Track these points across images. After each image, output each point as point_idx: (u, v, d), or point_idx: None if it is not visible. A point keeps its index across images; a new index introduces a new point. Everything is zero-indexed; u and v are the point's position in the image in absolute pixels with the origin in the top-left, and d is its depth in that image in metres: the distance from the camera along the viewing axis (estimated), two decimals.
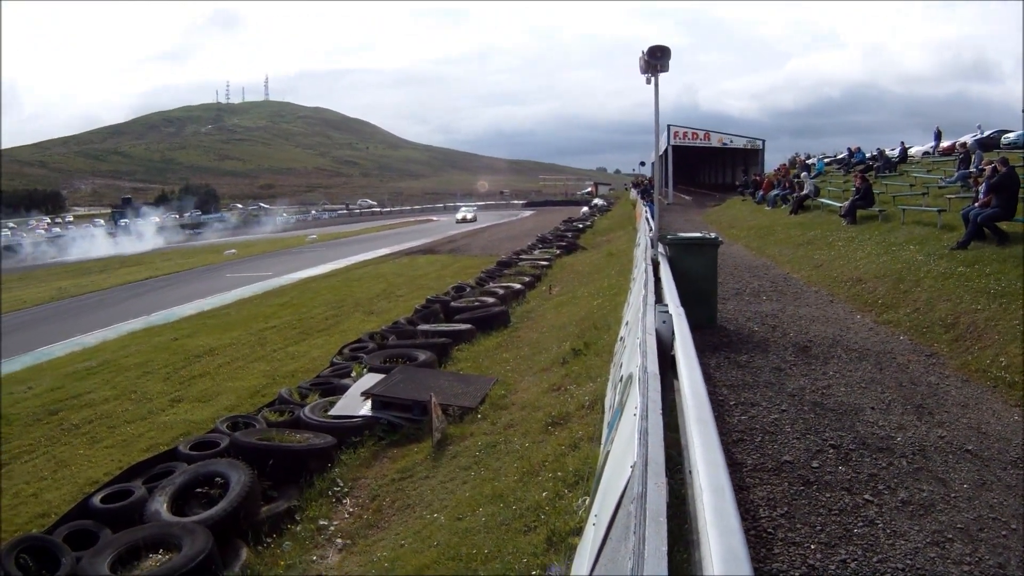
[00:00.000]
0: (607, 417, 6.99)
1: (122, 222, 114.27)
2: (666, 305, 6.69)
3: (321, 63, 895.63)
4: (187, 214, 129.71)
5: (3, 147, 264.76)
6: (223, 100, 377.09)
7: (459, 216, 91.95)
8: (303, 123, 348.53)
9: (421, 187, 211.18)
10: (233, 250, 61.62)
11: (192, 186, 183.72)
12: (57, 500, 11.07)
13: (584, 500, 6.22)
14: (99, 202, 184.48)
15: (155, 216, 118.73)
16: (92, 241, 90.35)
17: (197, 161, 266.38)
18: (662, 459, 3.24)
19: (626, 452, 3.74)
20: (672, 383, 5.35)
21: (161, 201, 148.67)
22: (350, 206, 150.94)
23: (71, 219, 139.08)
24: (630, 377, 5.13)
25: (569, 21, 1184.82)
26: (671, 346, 5.94)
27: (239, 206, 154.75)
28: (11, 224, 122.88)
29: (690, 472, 3.45)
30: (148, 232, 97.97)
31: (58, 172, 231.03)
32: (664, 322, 6.18)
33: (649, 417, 3.67)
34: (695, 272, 12.92)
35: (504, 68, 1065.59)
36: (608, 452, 4.72)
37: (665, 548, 2.48)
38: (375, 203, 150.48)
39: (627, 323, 9.26)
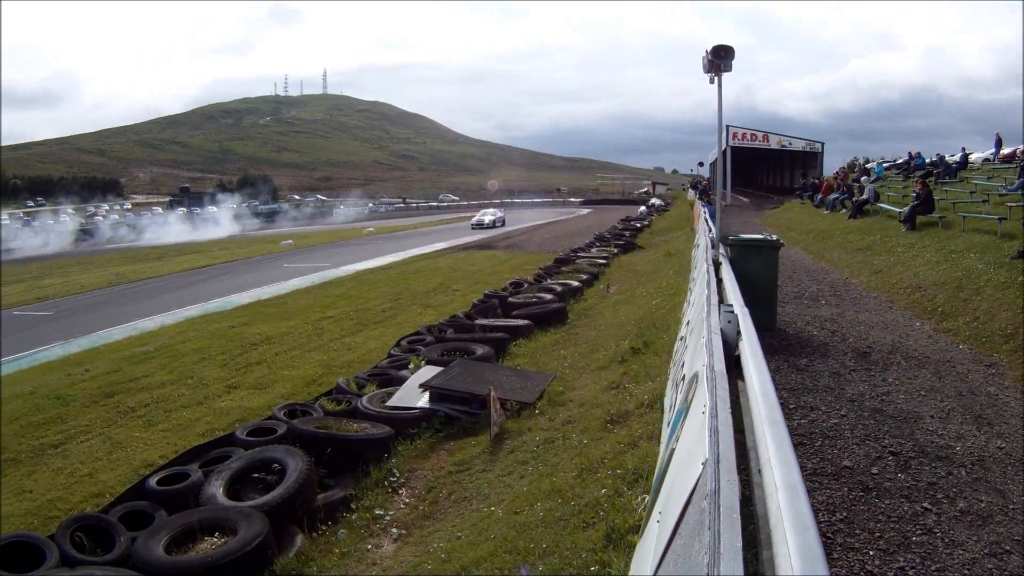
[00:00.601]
0: (667, 416, 6.97)
1: (179, 210, 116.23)
2: (730, 305, 6.67)
3: (380, 58, 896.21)
4: (245, 204, 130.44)
5: (64, 135, 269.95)
6: (281, 93, 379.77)
7: (475, 220, 76.49)
8: (361, 117, 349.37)
9: (478, 183, 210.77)
10: (290, 240, 62.13)
11: (249, 177, 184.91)
12: (112, 481, 11.29)
13: (643, 498, 6.22)
14: (157, 190, 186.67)
15: (227, 204, 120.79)
16: (167, 227, 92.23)
17: (255, 152, 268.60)
18: (733, 456, 3.26)
19: (694, 450, 3.75)
20: (736, 383, 5.36)
21: (221, 191, 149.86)
22: (407, 200, 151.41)
23: (129, 207, 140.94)
24: (695, 376, 5.13)
25: (630, 18, 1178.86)
26: (735, 346, 5.93)
27: (296, 197, 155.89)
28: (70, 210, 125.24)
29: (759, 471, 3.46)
30: (223, 219, 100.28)
31: (117, 160, 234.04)
32: (729, 322, 6.17)
33: (719, 415, 3.68)
34: (755, 274, 12.84)
35: (564, 65, 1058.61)
36: (673, 450, 4.72)
37: (740, 544, 2.49)
38: (456, 197, 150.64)
39: (688, 323, 9.24)
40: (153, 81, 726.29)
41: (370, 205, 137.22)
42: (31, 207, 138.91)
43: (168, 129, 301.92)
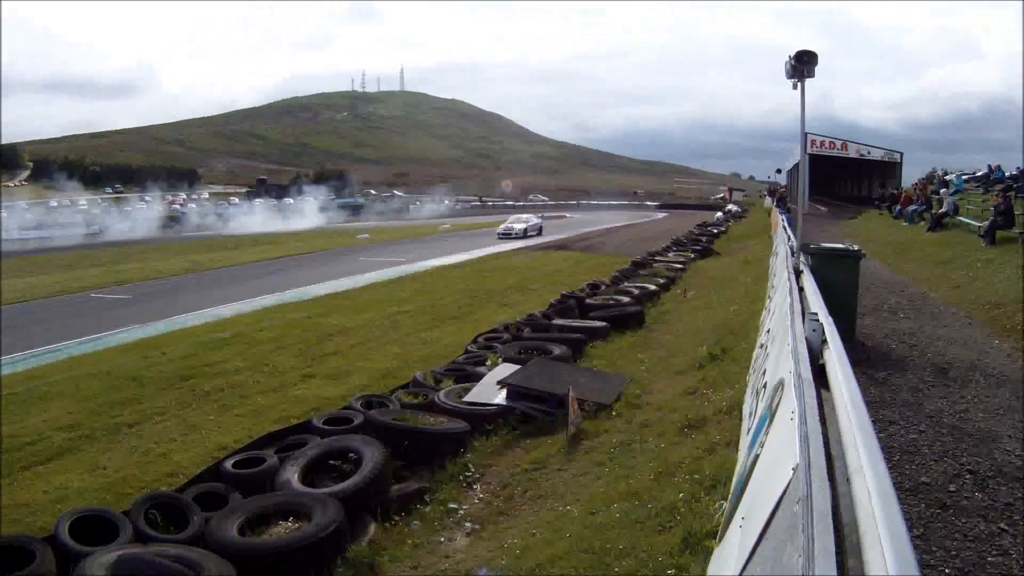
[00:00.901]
0: (747, 424, 7.00)
1: (256, 201, 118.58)
2: (815, 313, 6.68)
3: (457, 56, 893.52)
4: (328, 197, 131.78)
5: (142, 124, 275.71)
6: (359, 88, 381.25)
7: (502, 229, 60.95)
8: (438, 114, 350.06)
9: (555, 183, 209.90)
10: (366, 235, 62.82)
11: (327, 171, 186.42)
12: (186, 462, 11.45)
13: (721, 504, 6.25)
14: (234, 181, 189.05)
15: (311, 197, 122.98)
16: (252, 217, 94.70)
17: (331, 146, 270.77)
18: (823, 462, 3.31)
19: (781, 455, 3.80)
20: (819, 392, 5.37)
21: (299, 183, 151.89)
22: (483, 198, 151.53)
23: (206, 196, 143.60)
24: (780, 383, 5.17)
25: (709, 20, 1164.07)
26: (819, 355, 5.95)
27: (373, 192, 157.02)
28: (146, 198, 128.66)
29: (847, 480, 3.50)
30: (309, 211, 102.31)
31: (194, 151, 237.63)
32: (814, 330, 6.19)
33: (808, 422, 3.73)
34: (835, 284, 12.74)
35: (642, 66, 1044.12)
36: (757, 456, 4.76)
37: (833, 548, 2.54)
38: (546, 197, 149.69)
39: (769, 331, 9.23)
40: (232, 75, 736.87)
41: (445, 202, 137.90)
42: (109, 194, 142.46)
43: (246, 121, 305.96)
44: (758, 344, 10.04)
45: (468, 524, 8.70)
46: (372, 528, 8.50)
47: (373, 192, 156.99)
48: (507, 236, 58.57)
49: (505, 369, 13.19)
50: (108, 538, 7.76)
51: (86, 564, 6.73)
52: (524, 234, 59.19)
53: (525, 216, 67.31)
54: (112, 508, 8.67)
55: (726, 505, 5.66)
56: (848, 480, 3.44)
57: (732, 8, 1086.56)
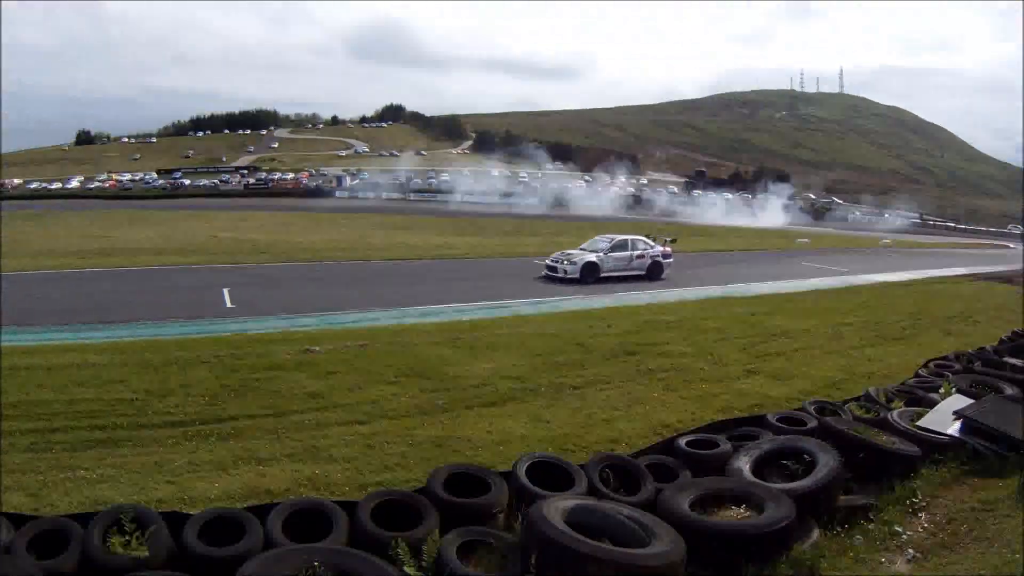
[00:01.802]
0: None
1: (695, 192, 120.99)
2: None
3: (900, 60, 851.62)
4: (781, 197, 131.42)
5: (582, 107, 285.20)
6: (797, 88, 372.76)
7: (552, 260, 33.90)
8: (878, 121, 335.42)
9: (997, 208, 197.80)
10: (806, 239, 62.87)
11: (765, 169, 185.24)
12: (628, 431, 12.21)
13: None
14: (672, 170, 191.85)
15: (776, 195, 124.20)
16: (713, 209, 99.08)
17: (769, 145, 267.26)
18: None
19: None
20: None
21: (735, 180, 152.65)
22: (923, 216, 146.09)
23: (645, 182, 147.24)
24: None
25: None
26: None
27: (811, 196, 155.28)
28: (586, 178, 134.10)
29: None
30: (772, 208, 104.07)
31: (633, 136, 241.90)
32: None
33: None
34: None
35: None
36: None
37: None
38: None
39: None
40: (672, 65, 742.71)
41: (886, 216, 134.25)
42: (550, 171, 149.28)
43: (684, 112, 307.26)
44: None
45: (911, 551, 8.64)
46: (816, 533, 8.64)
47: (811, 196, 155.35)
48: (552, 274, 33.34)
49: (958, 400, 12.94)
50: (559, 486, 8.49)
51: (543, 504, 7.23)
52: (584, 274, 32.60)
53: (621, 238, 35.98)
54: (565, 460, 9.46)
55: None
56: None
57: None
